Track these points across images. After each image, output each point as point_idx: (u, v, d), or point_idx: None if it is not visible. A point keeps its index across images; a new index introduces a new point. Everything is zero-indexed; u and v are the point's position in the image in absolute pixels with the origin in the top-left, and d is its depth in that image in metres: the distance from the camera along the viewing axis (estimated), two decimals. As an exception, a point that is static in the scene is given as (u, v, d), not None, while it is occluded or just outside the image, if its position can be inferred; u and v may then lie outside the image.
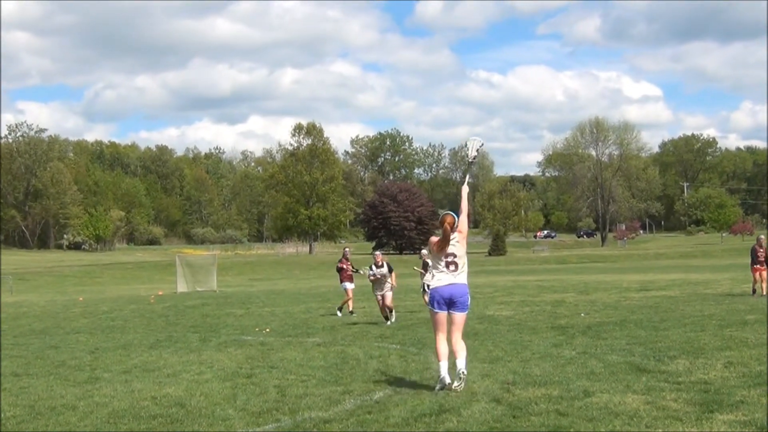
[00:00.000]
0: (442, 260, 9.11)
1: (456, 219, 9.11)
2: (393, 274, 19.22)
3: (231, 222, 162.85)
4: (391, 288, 18.99)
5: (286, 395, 9.27)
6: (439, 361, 9.02)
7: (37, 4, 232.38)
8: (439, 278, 9.11)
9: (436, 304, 9.12)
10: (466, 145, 10.09)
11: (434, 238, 9.29)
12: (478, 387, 9.24)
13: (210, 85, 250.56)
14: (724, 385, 8.84)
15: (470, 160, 10.11)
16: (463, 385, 8.84)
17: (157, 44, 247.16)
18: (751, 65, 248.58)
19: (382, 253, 21.78)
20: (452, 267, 9.09)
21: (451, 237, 8.98)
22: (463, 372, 8.89)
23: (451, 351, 9.02)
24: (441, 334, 9.11)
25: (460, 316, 9.15)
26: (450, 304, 9.07)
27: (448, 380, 8.87)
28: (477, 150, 9.96)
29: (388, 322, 18.37)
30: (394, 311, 19.14)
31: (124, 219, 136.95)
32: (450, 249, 9.07)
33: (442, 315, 9.13)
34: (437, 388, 8.88)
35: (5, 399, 9.70)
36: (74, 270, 70.27)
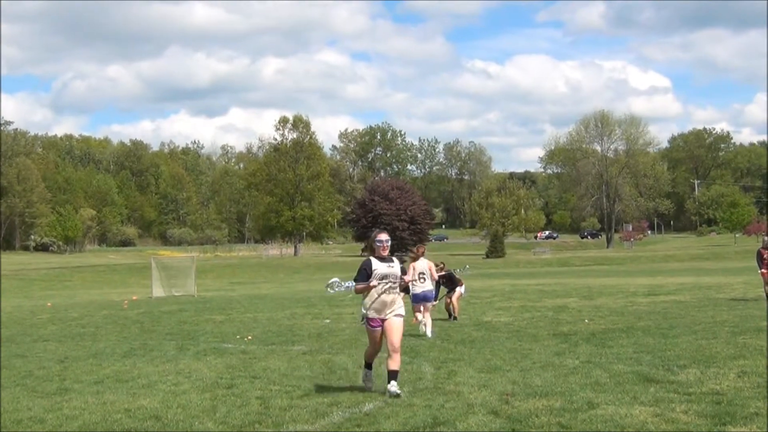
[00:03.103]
0: (417, 276, 16.82)
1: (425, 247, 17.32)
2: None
3: (210, 222, 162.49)
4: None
5: (270, 407, 9.27)
6: (419, 323, 16.79)
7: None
8: (417, 287, 16.82)
9: (416, 300, 16.93)
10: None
11: (413, 263, 17.13)
12: (475, 398, 9.26)
13: (187, 75, 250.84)
14: (737, 396, 8.88)
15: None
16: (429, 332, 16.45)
17: (130, 31, 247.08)
18: (765, 55, 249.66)
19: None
20: (422, 280, 16.95)
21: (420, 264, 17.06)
22: (431, 330, 16.60)
23: (425, 323, 16.68)
24: (418, 312, 16.99)
25: (428, 305, 17.05)
26: (423, 299, 16.91)
27: (426, 333, 16.32)
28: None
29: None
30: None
31: (96, 218, 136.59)
32: (420, 270, 16.94)
33: (419, 305, 16.91)
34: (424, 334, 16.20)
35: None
36: (42, 273, 70.02)
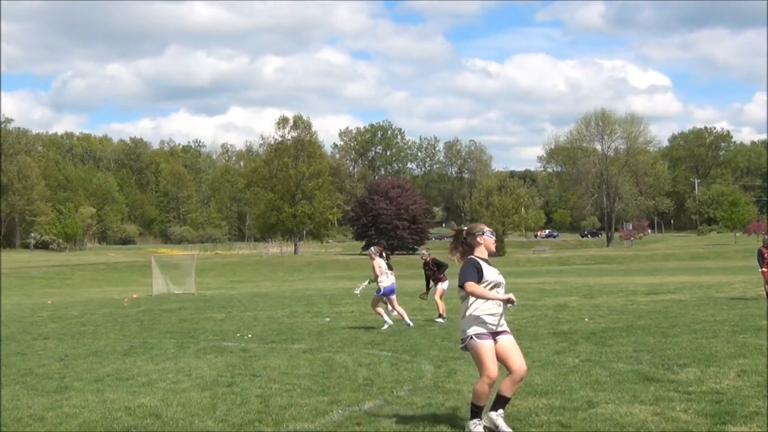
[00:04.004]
0: (385, 271, 18.06)
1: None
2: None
3: (210, 220, 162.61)
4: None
5: (270, 406, 9.27)
6: (380, 317, 18.17)
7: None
8: (387, 281, 17.93)
9: (386, 293, 17.99)
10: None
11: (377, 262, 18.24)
12: (475, 397, 9.25)
13: (187, 73, 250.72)
14: (737, 395, 8.87)
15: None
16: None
17: (130, 30, 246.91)
18: (764, 54, 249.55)
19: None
20: (387, 275, 17.95)
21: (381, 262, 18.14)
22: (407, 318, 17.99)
23: (399, 313, 18.11)
24: (398, 304, 18.29)
25: (393, 297, 18.12)
26: (392, 292, 18.02)
27: (406, 321, 18.00)
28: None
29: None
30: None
31: (96, 216, 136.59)
32: (384, 268, 18.09)
33: (386, 297, 18.05)
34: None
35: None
36: (42, 271, 70.01)
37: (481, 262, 7.95)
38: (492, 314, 7.82)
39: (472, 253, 8.03)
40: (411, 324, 17.82)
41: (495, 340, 7.80)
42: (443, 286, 19.72)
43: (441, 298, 19.55)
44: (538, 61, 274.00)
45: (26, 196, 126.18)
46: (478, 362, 7.71)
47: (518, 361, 7.78)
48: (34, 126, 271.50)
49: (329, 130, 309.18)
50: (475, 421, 7.65)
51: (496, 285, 7.93)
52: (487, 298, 7.76)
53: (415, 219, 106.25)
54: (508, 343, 7.88)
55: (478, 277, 7.80)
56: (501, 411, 7.70)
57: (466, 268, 7.85)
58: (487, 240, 8.08)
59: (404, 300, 26.60)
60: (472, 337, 7.71)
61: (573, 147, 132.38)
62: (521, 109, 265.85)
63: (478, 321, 7.75)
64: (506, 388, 7.72)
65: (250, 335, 17.71)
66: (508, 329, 8.03)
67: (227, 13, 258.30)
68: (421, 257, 20.57)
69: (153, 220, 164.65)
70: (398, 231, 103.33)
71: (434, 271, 19.81)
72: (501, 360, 7.73)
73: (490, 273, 7.94)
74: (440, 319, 19.03)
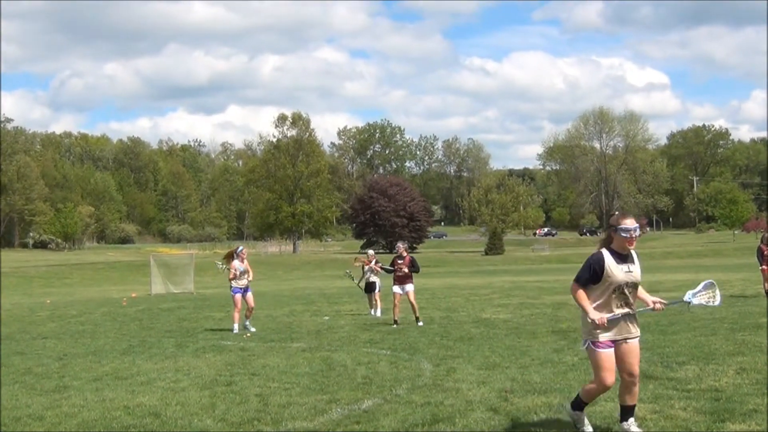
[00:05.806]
0: (239, 274, 18.60)
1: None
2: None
3: (209, 219, 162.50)
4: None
5: (269, 404, 9.26)
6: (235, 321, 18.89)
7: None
8: (242, 282, 18.56)
9: (236, 293, 18.68)
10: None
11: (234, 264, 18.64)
12: (474, 395, 9.25)
13: (185, 72, 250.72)
14: (736, 392, 8.87)
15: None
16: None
17: (129, 29, 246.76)
18: (763, 52, 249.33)
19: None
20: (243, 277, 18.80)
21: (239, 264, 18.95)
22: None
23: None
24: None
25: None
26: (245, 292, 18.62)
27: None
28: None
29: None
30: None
31: (94, 216, 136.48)
32: (243, 270, 18.60)
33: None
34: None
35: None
36: (41, 270, 70.03)
37: (608, 256, 7.15)
38: (613, 322, 7.11)
39: (608, 245, 7.28)
40: (238, 331, 18.09)
41: (614, 343, 7.15)
42: (408, 288, 18.39)
43: (398, 301, 18.54)
44: (536, 60, 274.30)
45: (25, 196, 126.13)
46: (596, 368, 7.22)
47: (632, 367, 7.21)
48: (32, 125, 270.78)
49: (328, 129, 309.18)
50: (578, 413, 7.47)
51: (618, 289, 7.11)
52: (583, 310, 7.15)
53: (413, 216, 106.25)
54: (630, 348, 7.22)
55: (594, 278, 7.13)
56: (632, 420, 7.31)
57: (584, 265, 7.23)
58: (616, 233, 7.22)
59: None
60: (591, 344, 7.19)
61: (571, 145, 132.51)
62: (519, 107, 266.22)
63: (594, 325, 7.07)
64: (628, 397, 7.31)
65: (248, 334, 17.72)
66: (637, 334, 7.29)
67: (225, 12, 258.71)
68: (397, 250, 19.02)
69: (152, 220, 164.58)
70: (397, 229, 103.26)
71: (407, 268, 18.42)
72: (618, 361, 7.21)
73: (616, 272, 7.12)
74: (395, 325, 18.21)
